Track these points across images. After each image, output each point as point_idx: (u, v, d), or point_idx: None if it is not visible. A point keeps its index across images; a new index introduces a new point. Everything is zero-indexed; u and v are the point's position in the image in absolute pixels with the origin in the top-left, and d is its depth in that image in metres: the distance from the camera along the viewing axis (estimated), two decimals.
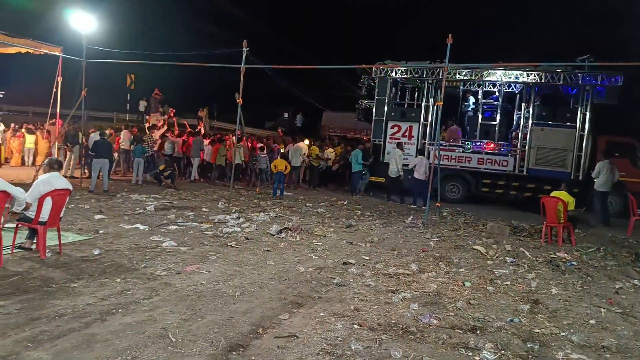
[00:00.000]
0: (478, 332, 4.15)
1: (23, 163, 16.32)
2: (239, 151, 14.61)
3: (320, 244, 7.37)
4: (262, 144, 16.37)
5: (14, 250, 5.58)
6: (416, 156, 13.38)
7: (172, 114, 21.09)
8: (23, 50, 12.33)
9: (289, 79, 20.40)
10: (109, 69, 17.74)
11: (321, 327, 4.00)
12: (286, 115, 30.34)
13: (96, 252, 5.87)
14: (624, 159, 12.65)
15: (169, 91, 22.72)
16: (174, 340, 3.55)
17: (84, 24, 11.65)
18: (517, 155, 13.81)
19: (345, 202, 12.48)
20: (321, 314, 4.33)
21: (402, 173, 13.19)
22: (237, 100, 12.42)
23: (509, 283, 5.83)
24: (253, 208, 10.39)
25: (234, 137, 14.85)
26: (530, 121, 13.72)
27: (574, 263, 7.06)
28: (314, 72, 22.22)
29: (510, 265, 6.73)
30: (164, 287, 4.78)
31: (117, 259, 5.67)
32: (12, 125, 17.04)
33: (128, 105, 24.86)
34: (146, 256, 5.89)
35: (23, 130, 16.72)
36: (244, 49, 12.04)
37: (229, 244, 6.86)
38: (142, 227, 7.51)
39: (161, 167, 13.53)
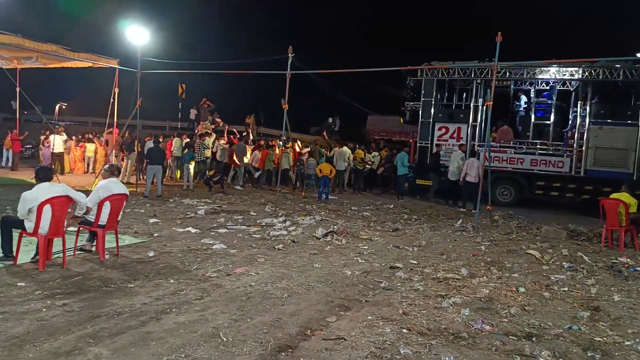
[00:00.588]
0: (534, 339, 3.97)
1: (87, 171, 17.37)
2: (288, 156, 14.83)
3: (366, 247, 7.33)
4: (309, 149, 16.49)
5: (76, 252, 5.91)
6: (467, 158, 13.00)
7: (220, 123, 21.72)
8: (85, 65, 13.05)
9: (334, 84, 20.51)
10: (161, 79, 18.53)
11: (369, 331, 3.97)
12: (330, 119, 30.44)
13: (151, 254, 6.12)
14: None
15: (217, 99, 23.40)
16: (224, 339, 3.63)
17: (139, 37, 12.22)
18: (574, 156, 13.19)
19: (391, 206, 12.35)
20: (369, 317, 4.30)
21: (463, 175, 12.74)
22: (283, 106, 12.63)
23: (566, 289, 5.55)
24: (299, 212, 10.49)
25: (279, 142, 15.07)
26: (587, 120, 13.08)
27: (639, 269, 6.64)
28: (359, 75, 22.26)
29: (568, 271, 6.42)
30: (215, 288, 4.91)
31: (171, 261, 5.89)
32: (74, 137, 18.17)
33: (180, 113, 25.82)
34: (197, 258, 6.08)
35: (84, 141, 17.84)
36: (290, 55, 12.24)
37: (276, 247, 6.96)
38: (193, 231, 7.76)
39: (210, 173, 13.93)
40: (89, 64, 12.90)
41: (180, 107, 25.76)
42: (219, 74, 16.19)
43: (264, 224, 8.79)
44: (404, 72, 15.69)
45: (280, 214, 9.88)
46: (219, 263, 5.90)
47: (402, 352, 3.56)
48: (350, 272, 5.82)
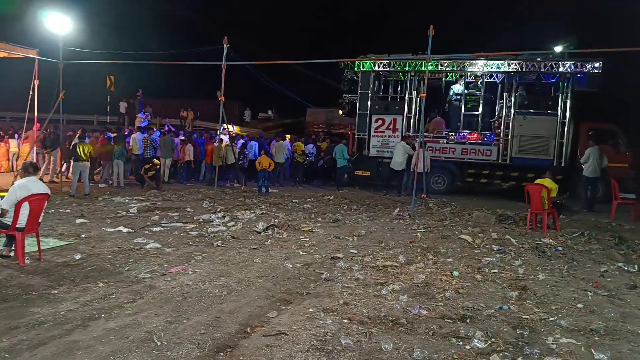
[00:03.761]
0: (468, 321, 4.14)
1: (12, 169, 15.95)
2: (234, 150, 14.46)
3: (307, 239, 7.32)
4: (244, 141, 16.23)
5: None
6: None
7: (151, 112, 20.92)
8: (0, 55, 12.02)
9: (272, 76, 20.26)
10: (87, 71, 17.41)
11: (310, 324, 3.95)
12: (269, 112, 30.34)
13: (78, 256, 5.72)
14: (607, 144, 12.79)
15: (151, 92, 22.40)
16: (159, 343, 3.46)
17: (60, 26, 11.36)
18: (501, 145, 13.90)
19: (332, 197, 12.44)
20: (310, 310, 4.27)
21: (405, 166, 13.01)
22: (219, 98, 12.27)
23: (496, 271, 5.84)
24: (238, 206, 10.28)
25: (222, 136, 14.61)
26: (512, 110, 13.81)
27: (560, 248, 7.12)
28: (297, 68, 22.18)
29: (497, 253, 6.76)
30: (149, 289, 4.67)
31: (100, 263, 5.54)
32: None
33: (108, 107, 24.40)
34: (130, 259, 5.77)
35: (6, 136, 16.42)
36: (225, 45, 11.88)
37: (214, 244, 6.76)
38: (125, 230, 7.37)
39: (147, 166, 13.23)
40: (4, 54, 11.90)
41: (109, 100, 24.32)
42: (151, 65, 15.49)
43: (201, 220, 8.52)
44: (342, 65, 15.79)
45: (218, 210, 9.64)
46: (153, 263, 5.64)
47: (343, 342, 3.57)
48: (291, 265, 5.77)
